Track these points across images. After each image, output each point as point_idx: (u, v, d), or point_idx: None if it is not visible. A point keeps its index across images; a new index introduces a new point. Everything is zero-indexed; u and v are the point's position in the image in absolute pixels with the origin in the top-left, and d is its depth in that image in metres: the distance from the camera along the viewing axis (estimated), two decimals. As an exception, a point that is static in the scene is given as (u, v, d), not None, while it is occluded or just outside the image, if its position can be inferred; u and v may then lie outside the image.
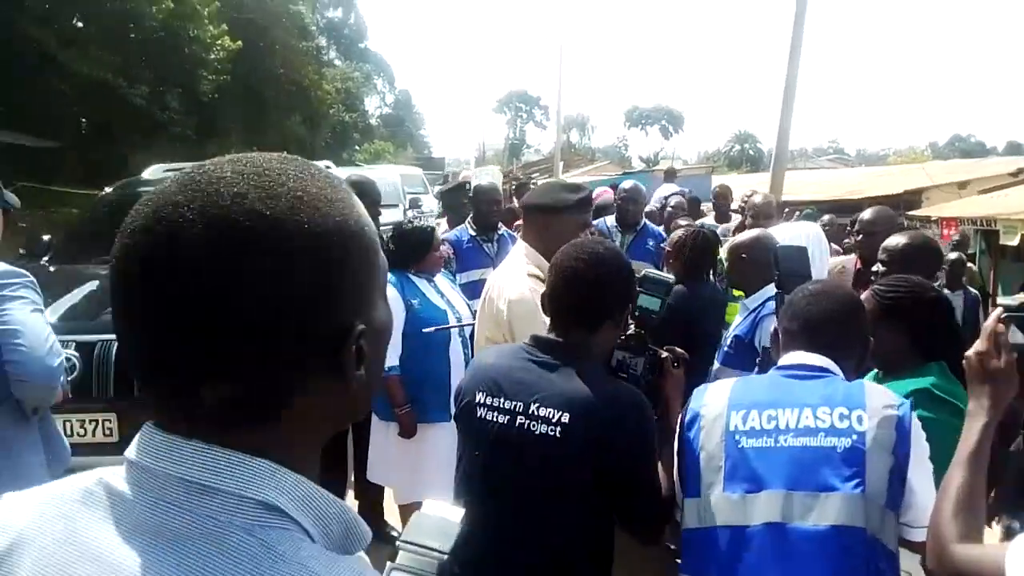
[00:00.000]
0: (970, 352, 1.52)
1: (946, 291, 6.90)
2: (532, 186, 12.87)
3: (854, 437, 1.69)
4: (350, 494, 4.33)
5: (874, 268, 3.13)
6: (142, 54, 17.48)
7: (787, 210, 13.89)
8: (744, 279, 3.33)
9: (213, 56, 19.10)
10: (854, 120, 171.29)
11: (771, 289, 3.11)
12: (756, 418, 1.77)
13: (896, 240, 3.07)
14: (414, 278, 3.77)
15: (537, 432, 1.85)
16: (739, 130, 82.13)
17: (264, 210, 0.64)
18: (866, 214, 4.09)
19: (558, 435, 1.83)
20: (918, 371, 2.24)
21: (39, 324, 2.32)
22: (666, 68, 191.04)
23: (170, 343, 0.64)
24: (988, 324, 1.51)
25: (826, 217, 8.93)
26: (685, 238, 3.94)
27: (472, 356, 3.70)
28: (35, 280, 2.42)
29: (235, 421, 0.66)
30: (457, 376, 3.53)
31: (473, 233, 5.09)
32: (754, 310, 3.29)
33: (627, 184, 6.11)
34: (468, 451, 2.01)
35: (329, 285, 0.67)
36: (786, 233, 3.56)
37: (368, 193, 4.44)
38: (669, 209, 6.67)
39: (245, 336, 0.64)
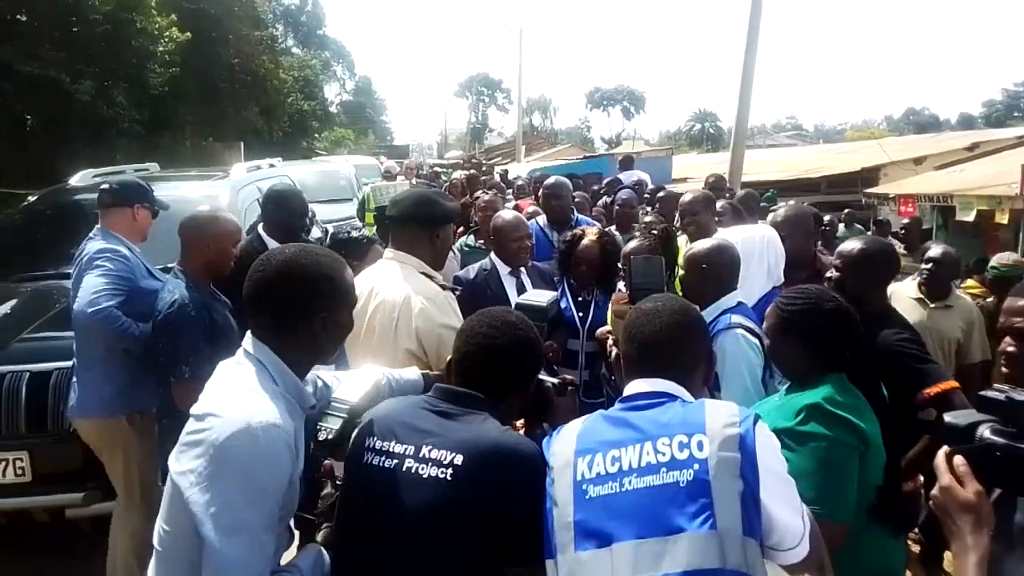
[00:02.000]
0: (935, 491, 1.43)
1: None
2: (485, 179, 12.63)
3: (696, 467, 1.53)
4: None
5: (828, 275, 3.03)
6: (87, 48, 16.87)
7: (747, 192, 13.93)
8: (703, 291, 3.04)
9: (161, 48, 18.53)
10: (811, 95, 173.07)
11: (729, 300, 2.99)
12: (601, 462, 1.63)
13: (851, 246, 2.97)
14: None
15: (426, 475, 1.74)
16: (699, 108, 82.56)
17: (304, 261, 1.81)
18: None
19: (448, 478, 1.72)
20: (815, 383, 2.22)
21: (94, 282, 3.47)
22: (627, 48, 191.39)
23: (262, 304, 1.81)
24: (940, 463, 1.43)
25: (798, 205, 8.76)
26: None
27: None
28: (121, 252, 3.62)
29: (277, 334, 1.78)
30: None
31: None
32: (709, 324, 3.08)
33: (550, 180, 5.71)
34: (347, 499, 1.89)
35: (318, 292, 1.80)
36: (738, 236, 3.41)
37: (288, 205, 4.24)
38: (617, 208, 6.14)
39: (289, 302, 1.78)
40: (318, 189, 10.76)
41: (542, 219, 5.49)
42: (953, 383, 2.71)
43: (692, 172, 19.97)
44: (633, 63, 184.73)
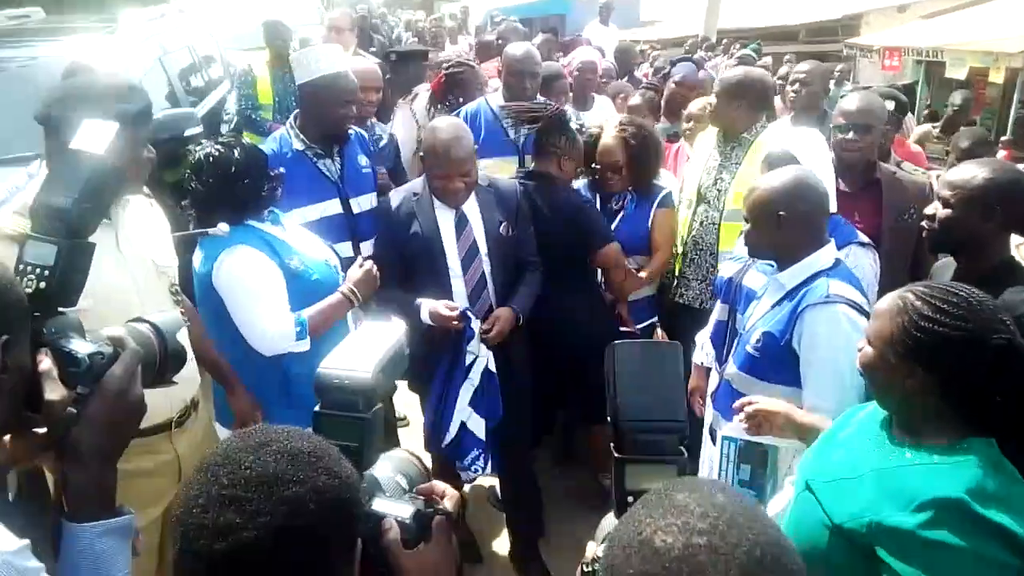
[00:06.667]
0: None
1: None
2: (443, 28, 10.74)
3: None
4: None
5: (929, 212, 2.19)
6: None
7: (725, 41, 12.80)
8: (784, 248, 2.32)
9: None
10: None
11: (822, 258, 2.25)
12: None
13: (968, 173, 2.13)
14: (264, 228, 2.50)
15: None
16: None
17: None
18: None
19: None
20: (951, 450, 1.40)
21: None
22: None
23: None
24: None
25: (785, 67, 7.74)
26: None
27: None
28: None
29: None
30: None
31: (301, 147, 3.11)
32: (791, 292, 2.29)
33: (516, 50, 4.01)
34: None
35: None
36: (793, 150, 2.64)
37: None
38: (673, 86, 4.91)
39: None
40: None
41: (496, 96, 3.97)
42: None
43: (661, 15, 18.60)
44: None
